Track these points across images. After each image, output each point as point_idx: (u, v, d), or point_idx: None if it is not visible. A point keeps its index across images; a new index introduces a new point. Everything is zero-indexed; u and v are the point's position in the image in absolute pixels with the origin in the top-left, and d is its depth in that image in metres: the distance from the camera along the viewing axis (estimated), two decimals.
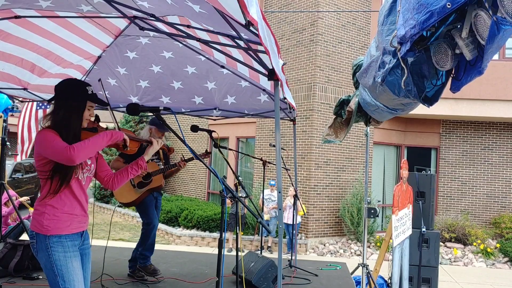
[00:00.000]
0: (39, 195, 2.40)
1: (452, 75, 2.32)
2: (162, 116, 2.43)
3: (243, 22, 2.05)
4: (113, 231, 10.67)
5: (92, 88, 2.43)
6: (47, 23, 3.39)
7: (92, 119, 2.49)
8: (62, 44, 3.82)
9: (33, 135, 7.76)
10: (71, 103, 2.34)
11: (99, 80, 2.85)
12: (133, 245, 4.85)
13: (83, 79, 4.68)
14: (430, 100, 2.53)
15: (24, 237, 5.60)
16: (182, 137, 2.29)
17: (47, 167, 2.28)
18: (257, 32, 2.05)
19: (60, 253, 2.24)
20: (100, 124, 2.58)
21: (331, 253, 9.29)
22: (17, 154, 7.86)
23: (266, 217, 8.73)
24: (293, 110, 4.85)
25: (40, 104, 7.56)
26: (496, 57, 10.38)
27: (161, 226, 10.74)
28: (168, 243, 9.79)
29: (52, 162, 2.26)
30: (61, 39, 3.72)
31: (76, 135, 2.33)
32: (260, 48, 2.62)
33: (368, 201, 4.99)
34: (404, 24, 2.02)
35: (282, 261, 2.67)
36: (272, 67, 2.43)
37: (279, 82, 2.67)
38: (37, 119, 7.77)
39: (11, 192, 6.63)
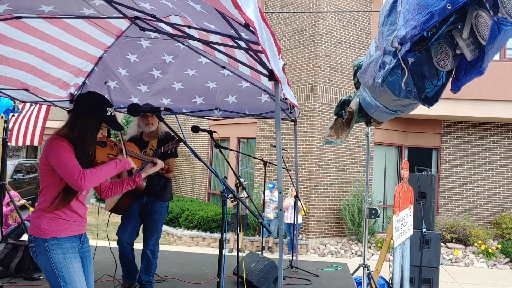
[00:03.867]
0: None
1: (452, 76, 2.32)
2: (163, 116, 2.44)
3: (243, 22, 2.05)
4: (114, 231, 10.65)
5: (113, 110, 2.44)
6: (49, 27, 3.40)
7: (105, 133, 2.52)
8: (64, 48, 3.82)
9: (17, 123, 7.84)
10: (89, 122, 2.34)
11: (106, 82, 2.84)
12: (134, 245, 4.82)
13: (84, 81, 4.69)
14: (430, 101, 2.53)
15: (25, 237, 5.60)
16: (183, 138, 2.29)
17: (52, 175, 2.27)
18: (254, 32, 2.05)
19: (60, 255, 2.24)
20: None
21: (332, 254, 9.28)
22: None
23: (269, 216, 8.72)
24: (294, 110, 4.84)
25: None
26: (497, 57, 10.38)
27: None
28: (169, 244, 9.80)
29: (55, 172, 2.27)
30: (63, 43, 3.73)
31: (89, 153, 2.35)
32: (260, 48, 2.62)
33: (369, 201, 4.99)
34: (405, 25, 2.02)
35: (283, 261, 2.67)
36: (271, 68, 2.43)
37: (279, 83, 2.67)
38: (27, 111, 7.87)
39: (14, 193, 6.65)
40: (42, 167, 2.31)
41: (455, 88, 2.30)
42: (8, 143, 7.84)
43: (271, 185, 9.02)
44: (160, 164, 2.71)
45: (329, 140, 4.72)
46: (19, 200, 6.68)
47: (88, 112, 2.35)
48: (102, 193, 2.63)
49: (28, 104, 7.79)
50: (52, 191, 2.28)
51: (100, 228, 10.89)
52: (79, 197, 2.40)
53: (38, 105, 7.74)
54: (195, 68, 4.49)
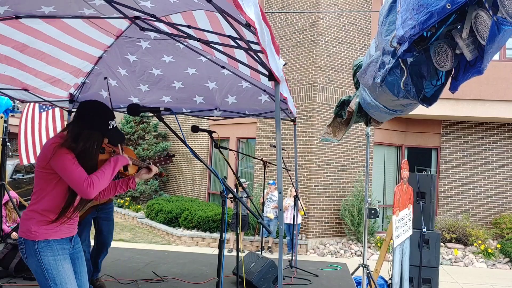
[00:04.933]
0: None
1: (452, 76, 2.32)
2: (163, 116, 2.43)
3: (244, 22, 2.05)
4: (114, 231, 10.65)
5: (115, 122, 2.43)
6: (48, 28, 3.39)
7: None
8: (64, 48, 3.82)
9: (37, 138, 7.66)
10: (91, 136, 2.33)
11: (105, 78, 2.86)
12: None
13: (84, 81, 4.69)
14: (429, 100, 2.53)
15: None
16: (182, 138, 2.29)
17: (49, 178, 2.27)
18: (255, 32, 2.05)
19: (50, 257, 2.22)
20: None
21: (332, 254, 9.28)
22: (20, 156, 7.77)
23: (269, 216, 8.73)
24: (291, 113, 4.86)
25: (44, 107, 7.51)
26: (496, 57, 10.38)
27: (161, 226, 10.75)
28: (168, 244, 9.80)
29: (64, 183, 2.27)
30: (63, 44, 3.73)
31: (92, 165, 2.35)
32: (260, 48, 2.62)
33: (369, 201, 4.99)
34: (403, 25, 2.02)
35: (282, 261, 2.67)
36: (270, 68, 2.43)
37: (279, 83, 2.67)
38: (41, 122, 7.72)
39: (13, 193, 6.64)
40: (39, 170, 2.28)
41: (453, 88, 2.30)
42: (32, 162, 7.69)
43: (271, 181, 9.03)
44: (155, 170, 2.75)
45: (326, 138, 4.73)
46: (17, 201, 6.66)
47: (90, 126, 2.33)
48: None
49: (37, 113, 7.70)
50: (47, 195, 2.26)
51: None
52: None
53: (50, 110, 7.62)
54: (195, 67, 4.49)
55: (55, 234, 2.28)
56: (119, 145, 2.59)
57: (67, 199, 2.28)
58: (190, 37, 2.99)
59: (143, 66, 4.48)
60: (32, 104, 7.65)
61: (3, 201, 5.98)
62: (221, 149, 3.29)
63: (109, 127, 2.38)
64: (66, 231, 2.35)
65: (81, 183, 2.20)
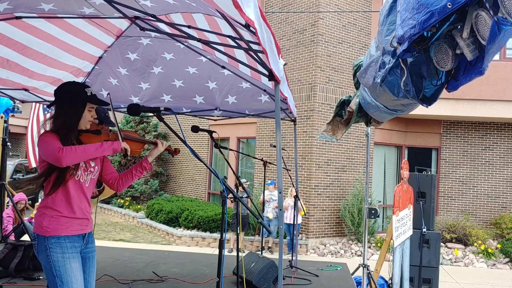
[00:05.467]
0: (39, 195, 2.41)
1: (451, 75, 2.32)
2: (163, 116, 2.43)
3: (243, 22, 2.05)
4: (114, 231, 10.66)
5: (91, 90, 2.42)
6: (49, 26, 3.40)
7: (96, 120, 2.49)
8: (64, 47, 3.82)
9: None
10: (70, 106, 2.34)
11: (108, 94, 2.85)
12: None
13: (84, 81, 4.69)
14: (428, 100, 2.53)
15: (25, 237, 5.60)
16: (182, 138, 2.29)
17: (46, 170, 2.30)
18: (255, 32, 2.05)
19: (59, 254, 2.23)
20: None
21: (332, 254, 9.28)
22: (28, 159, 7.78)
23: (269, 216, 8.72)
24: (291, 113, 4.85)
25: (48, 109, 7.51)
26: (497, 57, 10.38)
27: (161, 226, 10.75)
28: (168, 244, 9.80)
29: (48, 164, 2.28)
30: (63, 43, 3.73)
31: (75, 135, 2.34)
32: (260, 48, 2.62)
33: (369, 201, 4.99)
34: (402, 24, 2.02)
35: (282, 261, 2.67)
36: (270, 68, 2.43)
37: (279, 83, 2.67)
38: (45, 124, 7.68)
39: (22, 195, 6.65)
40: (40, 169, 2.35)
41: (453, 88, 2.30)
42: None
43: (269, 181, 9.03)
44: (163, 144, 2.66)
45: (324, 135, 4.74)
46: (25, 204, 6.66)
47: (69, 100, 2.35)
48: (111, 185, 2.61)
49: (41, 115, 7.68)
50: (47, 182, 2.30)
51: (100, 228, 10.89)
52: (83, 191, 2.38)
53: (49, 114, 7.62)
54: (195, 66, 4.49)
55: (66, 230, 2.28)
56: (118, 131, 2.54)
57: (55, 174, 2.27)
58: (190, 37, 2.99)
59: (144, 63, 4.48)
60: (36, 106, 7.68)
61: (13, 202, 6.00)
62: (221, 149, 3.28)
63: (88, 94, 2.38)
64: (78, 227, 2.34)
65: (53, 150, 2.17)
